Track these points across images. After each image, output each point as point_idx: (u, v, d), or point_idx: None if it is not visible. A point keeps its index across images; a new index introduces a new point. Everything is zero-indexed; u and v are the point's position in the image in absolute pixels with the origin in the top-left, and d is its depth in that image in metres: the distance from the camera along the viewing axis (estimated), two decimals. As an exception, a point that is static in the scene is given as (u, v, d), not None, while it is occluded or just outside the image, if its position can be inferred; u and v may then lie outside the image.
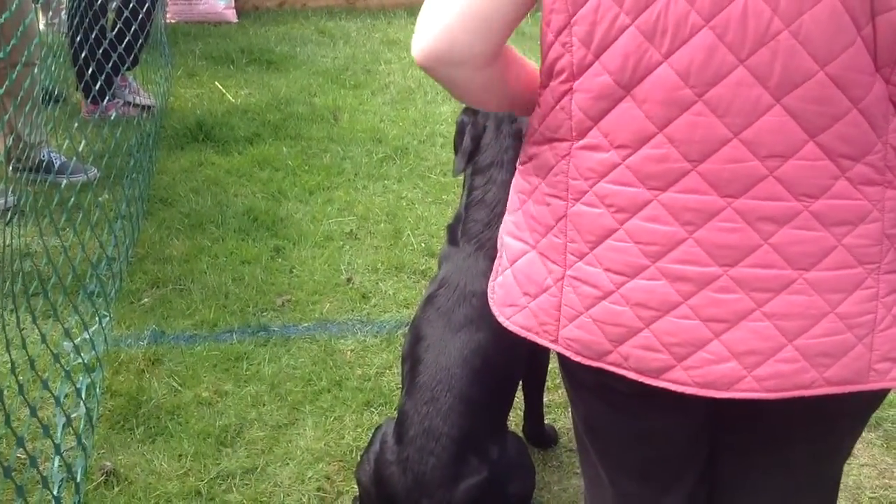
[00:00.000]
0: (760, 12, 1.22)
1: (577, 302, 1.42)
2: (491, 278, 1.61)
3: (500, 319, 1.56)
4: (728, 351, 1.35)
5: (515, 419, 2.72)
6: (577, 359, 1.45)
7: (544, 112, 1.42)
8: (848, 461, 2.68)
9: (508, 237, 1.55)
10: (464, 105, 2.56)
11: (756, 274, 1.32)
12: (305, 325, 3.30)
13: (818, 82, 1.24)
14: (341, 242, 3.84)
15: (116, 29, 4.53)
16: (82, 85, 4.58)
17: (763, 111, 1.26)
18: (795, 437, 1.50)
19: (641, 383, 1.42)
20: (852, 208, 1.30)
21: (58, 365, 2.57)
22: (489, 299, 1.60)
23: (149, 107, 4.91)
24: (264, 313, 3.35)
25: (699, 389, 1.37)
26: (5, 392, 2.18)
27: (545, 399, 2.76)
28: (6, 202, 3.65)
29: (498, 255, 1.59)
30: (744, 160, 1.28)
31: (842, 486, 2.59)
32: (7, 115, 3.51)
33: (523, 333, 1.52)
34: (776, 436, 1.51)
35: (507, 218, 1.57)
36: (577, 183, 1.39)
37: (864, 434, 2.81)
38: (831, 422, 1.48)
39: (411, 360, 2.31)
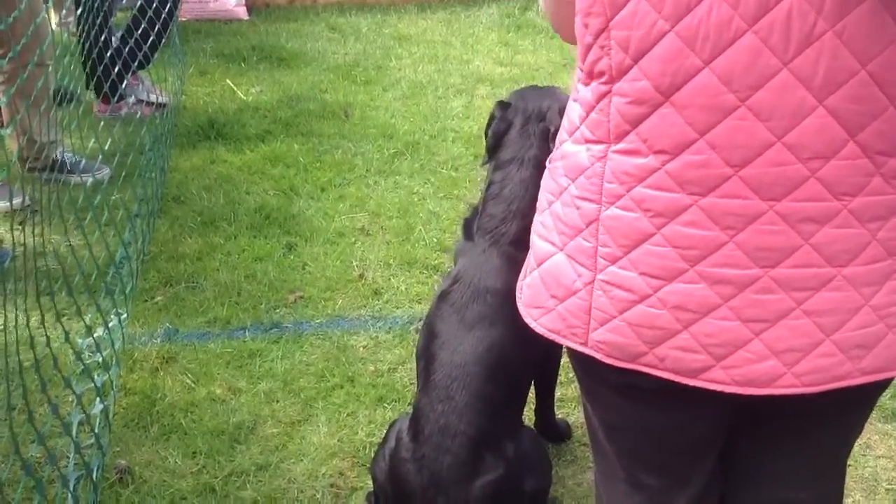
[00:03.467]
0: (805, 14, 1.22)
1: (608, 306, 1.42)
2: (520, 277, 1.62)
3: (528, 321, 1.56)
4: (768, 349, 1.36)
5: (528, 414, 2.71)
6: (609, 361, 1.45)
7: (585, 111, 1.41)
8: (864, 453, 2.70)
9: (536, 237, 1.55)
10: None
11: (796, 273, 1.33)
12: (318, 321, 3.30)
13: (860, 81, 1.25)
14: (353, 238, 3.84)
15: (141, 28, 4.54)
16: (94, 83, 4.59)
17: (807, 113, 1.26)
18: (821, 422, 1.53)
19: (669, 381, 1.42)
20: (886, 203, 1.32)
21: (75, 363, 2.58)
22: (517, 299, 1.60)
23: (162, 105, 4.92)
24: (277, 310, 3.36)
25: (739, 388, 1.39)
26: (18, 391, 2.19)
27: (557, 393, 2.75)
28: (22, 201, 3.67)
29: (528, 254, 1.59)
30: (787, 163, 1.28)
31: (858, 477, 2.61)
32: (19, 116, 3.52)
33: (550, 336, 1.52)
34: (804, 422, 1.53)
35: (536, 217, 1.57)
36: (613, 186, 1.38)
37: (881, 426, 2.81)
38: (855, 404, 1.51)
39: (426, 358, 2.31)
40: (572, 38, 1.51)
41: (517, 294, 1.61)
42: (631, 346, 1.42)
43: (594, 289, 1.43)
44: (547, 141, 2.40)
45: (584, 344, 1.47)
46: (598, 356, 1.46)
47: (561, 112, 2.40)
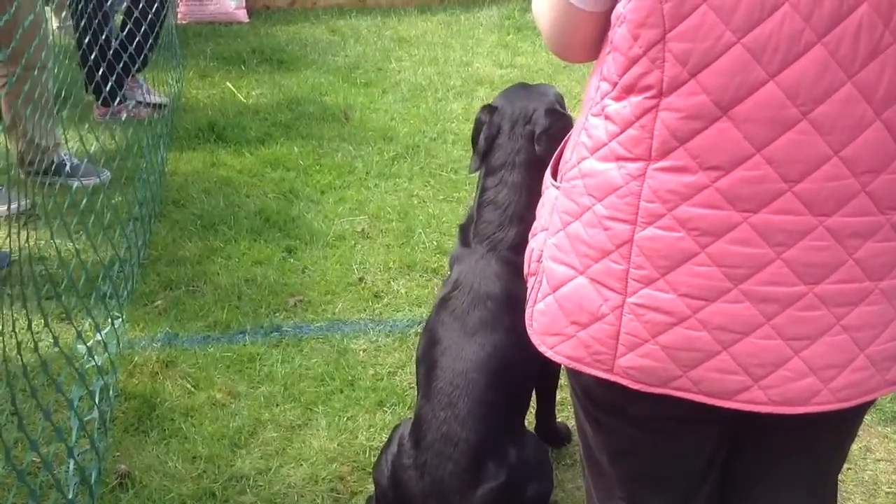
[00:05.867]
0: (874, 26, 1.21)
1: (640, 330, 1.37)
2: (528, 304, 1.55)
3: (542, 349, 1.51)
4: (807, 367, 1.35)
5: (528, 417, 2.71)
6: (637, 387, 1.41)
7: (620, 127, 1.34)
8: (864, 456, 2.70)
9: (551, 261, 1.47)
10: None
11: (840, 289, 1.33)
12: (318, 325, 3.30)
13: None
14: (353, 242, 3.84)
15: (126, 30, 4.54)
16: (93, 87, 4.60)
17: (865, 127, 1.25)
18: (822, 430, 1.52)
19: (697, 405, 1.40)
20: None
21: (71, 368, 2.58)
22: (527, 327, 1.55)
23: (161, 105, 4.92)
24: (277, 314, 3.35)
25: (776, 407, 1.37)
26: (19, 396, 2.18)
27: (558, 397, 2.75)
28: (20, 205, 3.66)
29: (535, 277, 1.53)
30: (841, 178, 1.27)
31: (858, 481, 2.61)
32: (10, 117, 3.52)
33: (570, 364, 1.47)
34: (807, 432, 1.52)
35: (547, 239, 1.50)
36: (653, 206, 1.32)
37: (880, 429, 2.81)
38: (856, 411, 1.50)
39: (427, 364, 2.30)
40: (579, 57, 1.47)
41: (528, 322, 1.54)
42: (663, 370, 1.38)
43: (624, 313, 1.38)
44: (533, 143, 2.39)
45: (610, 371, 1.41)
46: (625, 382, 1.41)
47: (547, 114, 2.39)
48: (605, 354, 1.41)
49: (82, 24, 4.24)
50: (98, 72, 4.18)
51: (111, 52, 4.27)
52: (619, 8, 1.30)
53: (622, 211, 1.35)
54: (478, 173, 2.50)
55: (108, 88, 4.11)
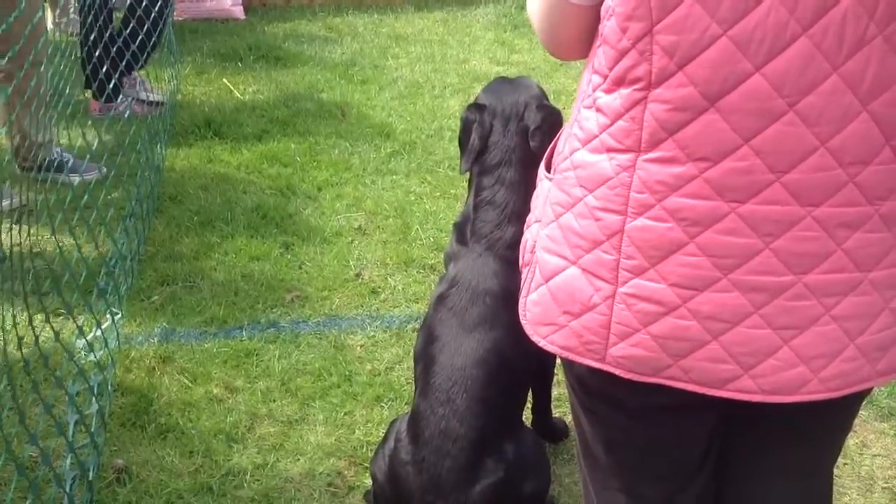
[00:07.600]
0: (859, 17, 1.21)
1: (631, 319, 1.38)
2: (522, 294, 1.56)
3: (535, 339, 1.52)
4: (797, 356, 1.36)
5: (525, 413, 2.71)
6: (629, 376, 1.42)
7: (610, 119, 1.35)
8: (860, 451, 2.71)
9: (543, 252, 1.49)
10: (469, 102, 2.54)
11: (828, 279, 1.33)
12: (315, 320, 3.30)
13: None
14: (350, 238, 3.84)
15: (129, 28, 4.54)
16: (96, 84, 4.60)
17: (852, 118, 1.26)
18: (816, 420, 1.53)
19: (689, 395, 1.41)
20: None
21: (70, 363, 2.58)
22: (521, 317, 1.55)
23: (160, 103, 4.92)
24: (274, 309, 3.35)
25: (766, 396, 1.38)
26: (17, 390, 2.18)
27: (554, 392, 2.75)
28: (10, 203, 3.66)
29: (528, 268, 1.54)
30: (829, 169, 1.28)
31: (855, 476, 2.62)
32: (13, 115, 3.52)
33: (563, 354, 1.48)
34: (799, 422, 1.52)
35: (540, 230, 1.51)
36: (643, 197, 1.33)
37: (877, 424, 2.82)
38: (851, 402, 1.51)
39: (425, 361, 2.30)
40: (572, 53, 1.47)
41: (521, 312, 1.55)
42: (654, 359, 1.39)
43: (615, 302, 1.39)
44: (527, 140, 2.38)
45: (602, 360, 1.42)
46: (617, 372, 1.42)
47: (539, 109, 2.38)
48: (596, 344, 1.42)
49: (89, 20, 4.24)
50: (102, 68, 4.18)
51: (114, 48, 4.27)
52: (608, 1, 1.32)
53: (613, 202, 1.36)
54: (469, 172, 2.48)
55: (111, 86, 4.11)
